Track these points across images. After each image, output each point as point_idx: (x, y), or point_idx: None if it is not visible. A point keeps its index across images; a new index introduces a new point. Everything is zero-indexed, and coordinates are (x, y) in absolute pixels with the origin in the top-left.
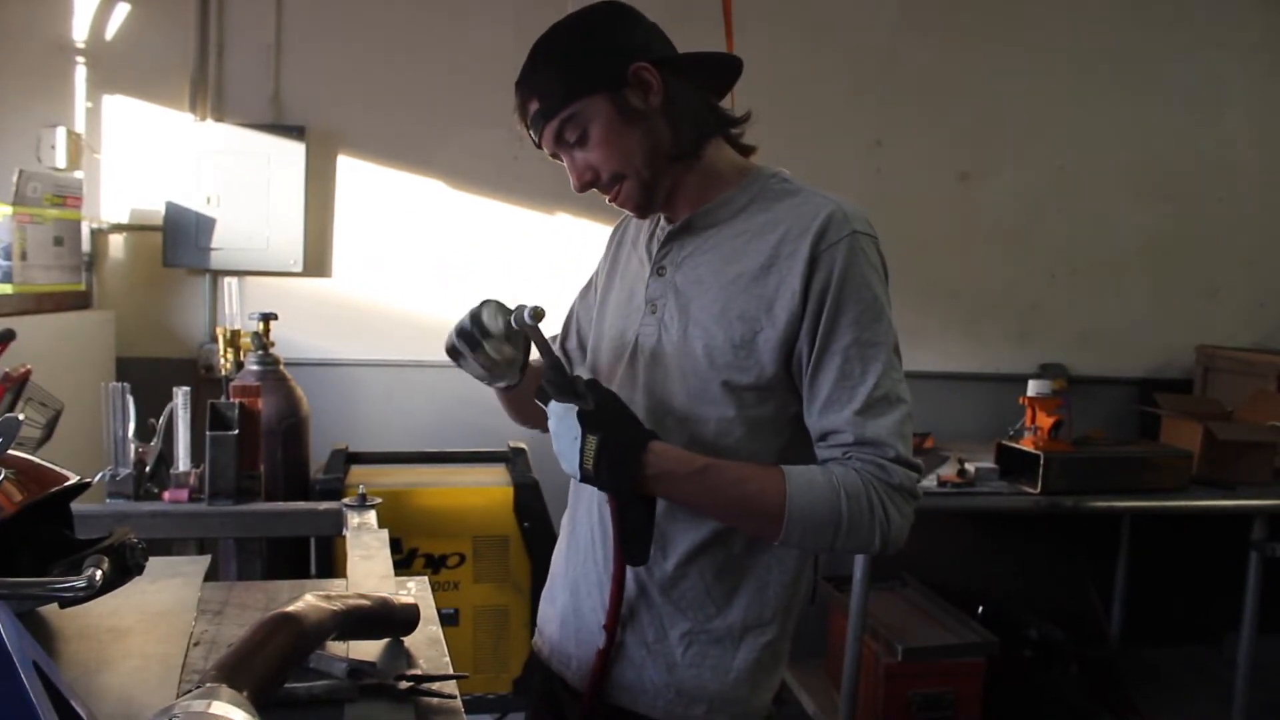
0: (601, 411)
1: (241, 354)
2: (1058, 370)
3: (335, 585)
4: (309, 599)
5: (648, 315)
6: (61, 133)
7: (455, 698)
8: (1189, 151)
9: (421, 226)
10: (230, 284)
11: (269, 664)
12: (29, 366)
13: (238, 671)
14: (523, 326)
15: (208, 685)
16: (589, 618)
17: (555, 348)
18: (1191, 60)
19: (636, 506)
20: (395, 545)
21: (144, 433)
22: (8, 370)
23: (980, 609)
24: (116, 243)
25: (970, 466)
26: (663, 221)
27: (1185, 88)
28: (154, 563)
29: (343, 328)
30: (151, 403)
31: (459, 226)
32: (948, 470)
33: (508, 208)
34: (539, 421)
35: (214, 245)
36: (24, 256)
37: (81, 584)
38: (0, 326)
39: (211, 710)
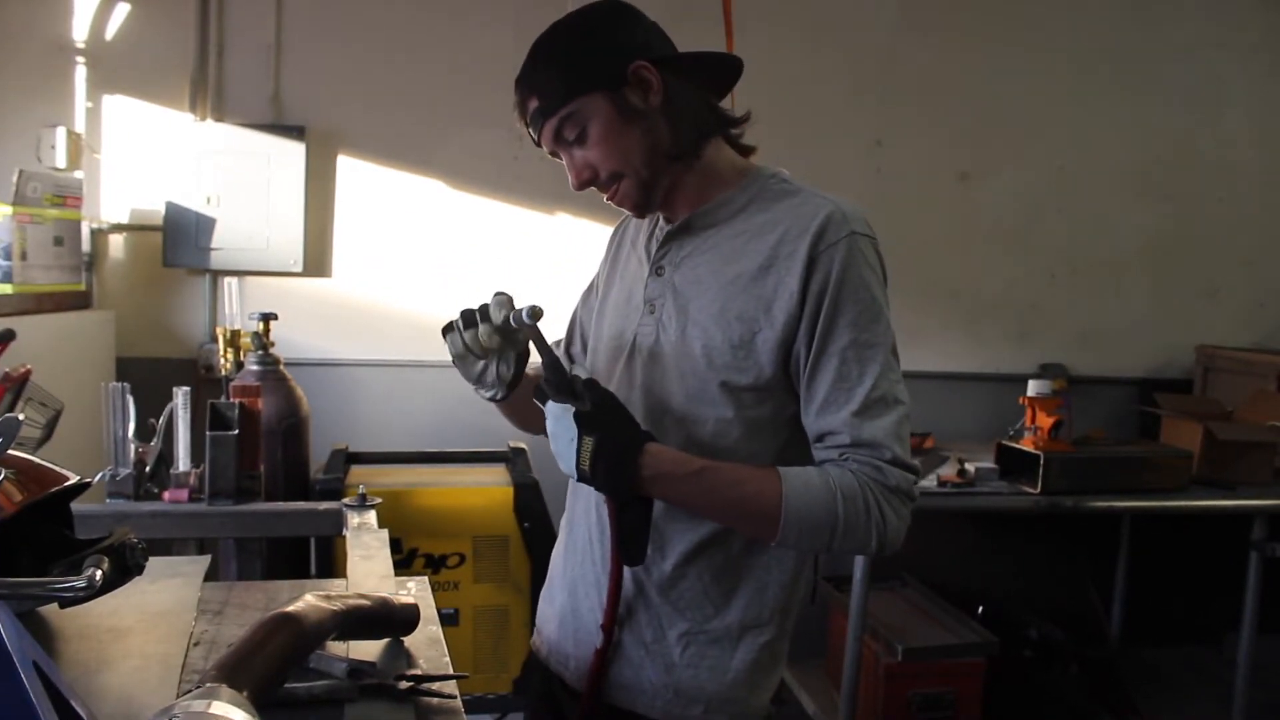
0: (598, 412)
1: (241, 354)
2: (1058, 370)
3: (335, 585)
4: (309, 599)
5: (646, 315)
6: (61, 133)
7: (455, 698)
8: (1189, 151)
9: (421, 226)
10: (230, 284)
11: (269, 664)
12: (29, 366)
13: (238, 671)
14: (520, 326)
15: (208, 685)
16: (587, 618)
17: (559, 351)
18: (1191, 60)
19: (634, 507)
20: (395, 545)
21: (144, 433)
22: (8, 370)
23: (980, 609)
24: (116, 243)
25: (970, 466)
26: (662, 221)
27: (1185, 88)
28: (154, 563)
29: (343, 328)
30: (151, 403)
31: (459, 226)
32: (948, 470)
33: (508, 208)
34: (540, 427)
35: (214, 245)
36: (24, 256)
37: (81, 584)
38: (0, 326)
39: (211, 710)
